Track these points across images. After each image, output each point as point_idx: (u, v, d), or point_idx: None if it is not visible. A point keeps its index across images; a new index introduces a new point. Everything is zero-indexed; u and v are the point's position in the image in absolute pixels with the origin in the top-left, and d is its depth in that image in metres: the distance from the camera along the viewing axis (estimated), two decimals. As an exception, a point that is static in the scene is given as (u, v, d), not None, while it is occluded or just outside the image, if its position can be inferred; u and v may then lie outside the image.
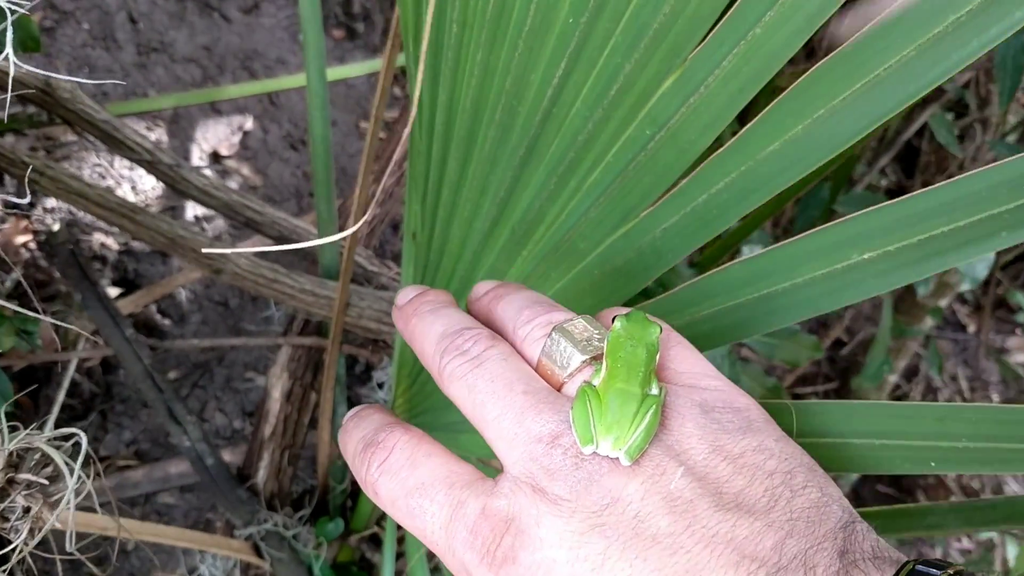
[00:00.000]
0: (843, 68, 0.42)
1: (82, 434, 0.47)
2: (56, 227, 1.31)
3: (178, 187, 1.01)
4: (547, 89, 0.53)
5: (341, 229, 1.02)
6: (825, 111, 0.43)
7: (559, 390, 0.36)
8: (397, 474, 0.35)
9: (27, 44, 0.86)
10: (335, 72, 1.56)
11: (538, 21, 0.51)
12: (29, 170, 0.90)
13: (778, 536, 0.30)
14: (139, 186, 1.47)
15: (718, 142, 0.47)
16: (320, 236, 0.95)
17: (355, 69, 1.48)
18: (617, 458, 0.31)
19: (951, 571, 0.29)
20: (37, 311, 0.53)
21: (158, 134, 1.56)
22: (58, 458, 0.46)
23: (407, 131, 0.54)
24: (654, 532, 0.30)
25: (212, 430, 1.32)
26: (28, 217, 1.28)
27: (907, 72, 0.41)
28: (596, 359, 0.36)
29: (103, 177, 1.44)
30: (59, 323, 0.58)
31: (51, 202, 1.37)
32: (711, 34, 0.45)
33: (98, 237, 1.38)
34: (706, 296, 0.50)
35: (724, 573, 0.29)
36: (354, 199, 0.84)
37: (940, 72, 0.40)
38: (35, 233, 1.32)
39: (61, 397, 1.20)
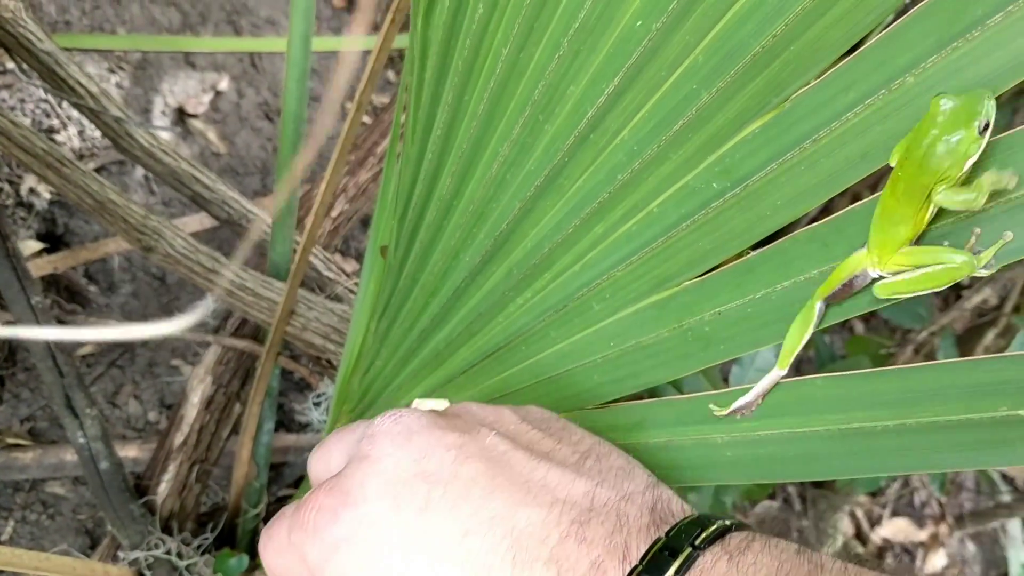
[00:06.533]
0: None
1: None
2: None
3: (120, 143, 0.87)
4: (588, 108, 0.40)
5: (300, 222, 0.88)
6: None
7: None
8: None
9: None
10: (326, 43, 1.41)
11: (594, 18, 0.38)
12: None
13: (589, 485, 0.32)
14: (87, 132, 1.31)
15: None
16: (275, 227, 0.82)
17: (349, 43, 1.32)
18: (433, 410, 0.36)
19: (727, 521, 0.30)
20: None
21: (120, 79, 1.40)
22: None
23: (401, 124, 0.41)
24: (473, 475, 0.32)
25: (123, 418, 1.17)
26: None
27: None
28: None
29: (47, 115, 1.28)
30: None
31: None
32: (833, 70, 0.33)
33: (30, 181, 1.22)
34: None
35: (538, 512, 0.30)
36: (320, 189, 0.71)
37: None
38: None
39: (-49, 357, 1.04)
